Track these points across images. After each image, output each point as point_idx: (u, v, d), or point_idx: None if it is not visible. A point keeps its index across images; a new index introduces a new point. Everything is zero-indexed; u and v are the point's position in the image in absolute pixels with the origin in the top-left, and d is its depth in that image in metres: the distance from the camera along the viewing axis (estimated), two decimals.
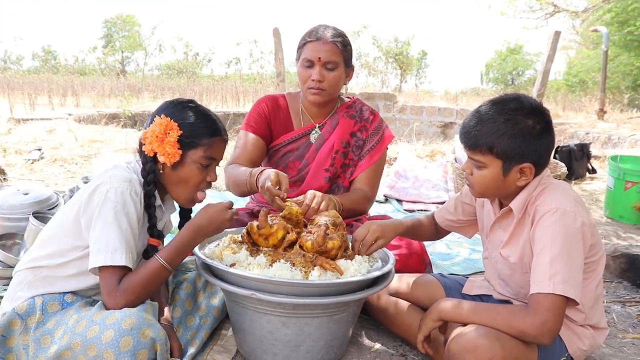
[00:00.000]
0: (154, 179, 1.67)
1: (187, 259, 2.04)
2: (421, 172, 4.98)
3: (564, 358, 1.65)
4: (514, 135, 1.57)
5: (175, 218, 1.90)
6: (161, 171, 1.69)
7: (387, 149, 2.48)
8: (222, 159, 1.75)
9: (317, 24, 2.32)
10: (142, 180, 1.68)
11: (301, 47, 2.30)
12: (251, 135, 2.36)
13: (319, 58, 2.22)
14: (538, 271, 1.51)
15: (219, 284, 1.68)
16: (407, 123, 10.84)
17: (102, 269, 1.54)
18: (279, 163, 2.42)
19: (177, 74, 23.17)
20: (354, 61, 2.40)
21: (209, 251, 1.81)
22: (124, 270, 1.56)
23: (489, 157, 1.61)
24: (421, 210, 4.25)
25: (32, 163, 5.16)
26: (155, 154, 1.65)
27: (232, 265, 1.69)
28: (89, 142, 6.13)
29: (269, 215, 1.78)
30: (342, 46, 2.26)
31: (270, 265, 1.68)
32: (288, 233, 1.78)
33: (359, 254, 1.81)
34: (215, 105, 13.38)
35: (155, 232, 1.70)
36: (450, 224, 2.03)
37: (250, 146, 2.34)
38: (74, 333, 1.45)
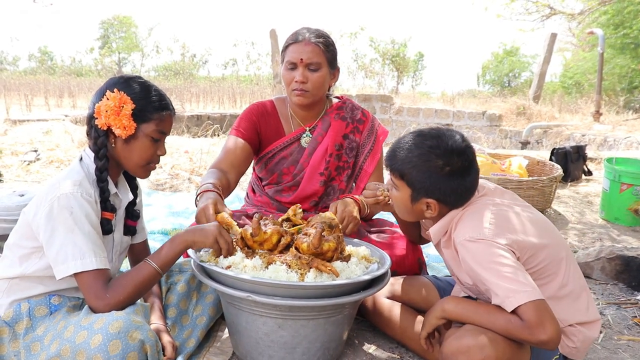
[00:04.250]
0: (105, 154, 1.66)
1: (182, 260, 2.05)
2: None
3: (557, 357, 1.65)
4: (422, 170, 1.64)
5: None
6: (113, 145, 1.68)
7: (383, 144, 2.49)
8: (170, 133, 1.77)
9: (300, 27, 2.31)
10: (94, 165, 1.65)
11: (284, 50, 2.30)
12: (238, 140, 2.33)
13: (301, 59, 2.21)
14: (499, 293, 1.50)
15: (215, 286, 1.67)
16: (403, 125, 10.87)
17: (78, 276, 1.53)
18: (274, 170, 2.41)
19: (174, 75, 23.14)
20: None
21: (205, 253, 1.81)
22: (105, 272, 1.56)
23: (401, 182, 1.70)
24: None
25: (28, 164, 5.14)
26: (108, 128, 1.64)
27: (228, 267, 1.69)
28: (85, 143, 6.11)
29: (261, 220, 1.78)
30: (325, 47, 2.25)
31: (266, 267, 1.68)
32: (282, 236, 1.78)
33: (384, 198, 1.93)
34: (212, 107, 13.38)
35: (108, 205, 1.67)
36: (426, 234, 2.02)
37: (236, 150, 2.31)
38: (63, 339, 1.45)
